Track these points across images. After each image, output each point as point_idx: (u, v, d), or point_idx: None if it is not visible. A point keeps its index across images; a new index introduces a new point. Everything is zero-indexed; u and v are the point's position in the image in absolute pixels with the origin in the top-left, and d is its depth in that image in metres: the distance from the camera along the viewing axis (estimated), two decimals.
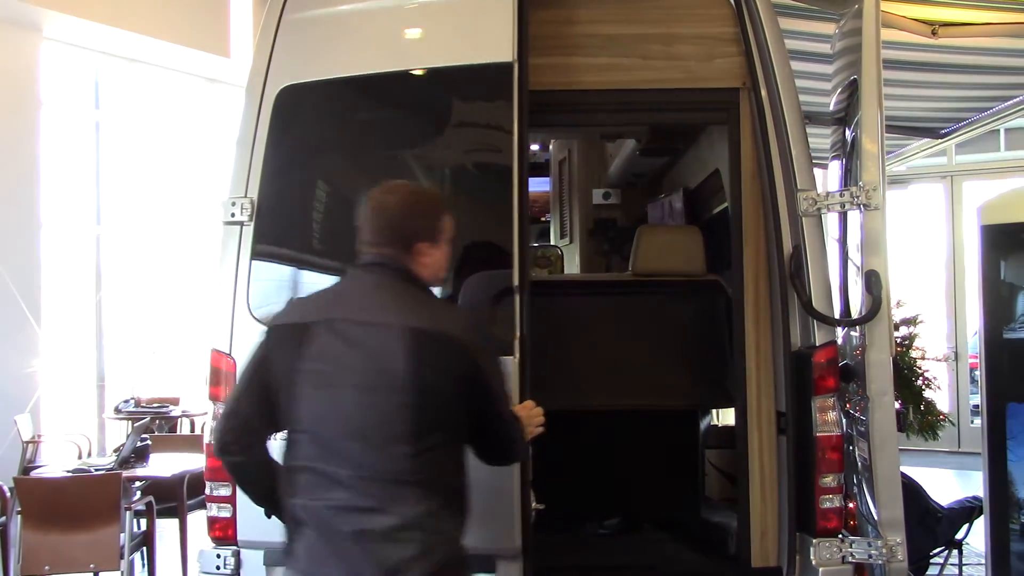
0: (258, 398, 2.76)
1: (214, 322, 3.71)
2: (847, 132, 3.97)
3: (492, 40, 3.68)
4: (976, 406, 11.00)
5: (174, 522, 6.73)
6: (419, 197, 2.91)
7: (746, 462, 3.78)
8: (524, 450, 2.99)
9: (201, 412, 9.50)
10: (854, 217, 3.80)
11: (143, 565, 6.47)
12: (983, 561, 5.14)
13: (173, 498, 6.61)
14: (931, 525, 5.60)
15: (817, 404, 3.54)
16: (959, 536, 5.76)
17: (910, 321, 7.89)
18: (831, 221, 4.03)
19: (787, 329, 3.67)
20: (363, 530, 2.58)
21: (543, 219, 7.53)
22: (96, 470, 6.39)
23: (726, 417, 4.91)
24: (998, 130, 11.16)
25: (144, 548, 6.31)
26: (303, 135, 3.90)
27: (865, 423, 3.59)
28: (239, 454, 2.78)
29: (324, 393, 2.67)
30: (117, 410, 9.87)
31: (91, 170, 10.94)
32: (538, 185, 7.25)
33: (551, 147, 7.27)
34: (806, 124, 3.82)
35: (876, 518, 3.56)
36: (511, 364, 3.32)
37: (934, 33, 5.65)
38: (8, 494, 6.04)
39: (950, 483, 9.52)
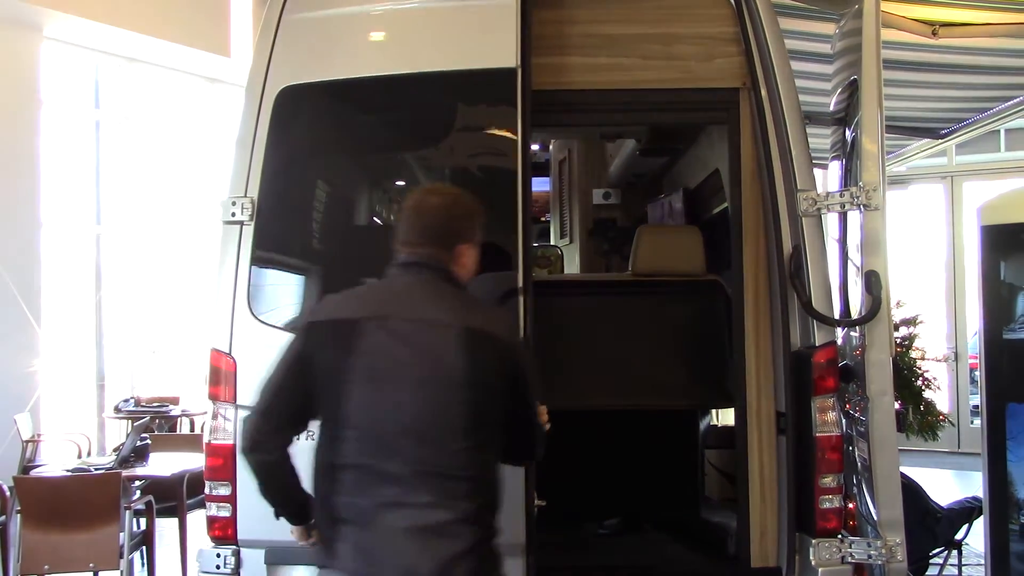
0: (295, 395, 2.74)
1: (214, 321, 3.71)
2: (847, 132, 3.97)
3: (495, 45, 3.71)
4: (976, 406, 11.00)
5: (174, 521, 6.73)
6: (460, 200, 2.93)
7: (746, 462, 3.78)
8: (543, 451, 3.02)
9: (201, 412, 9.49)
10: (854, 217, 3.80)
11: (143, 564, 6.47)
12: (983, 561, 5.14)
13: (173, 497, 6.60)
14: (931, 525, 5.60)
15: (817, 404, 3.54)
16: (959, 536, 5.76)
17: (910, 321, 7.88)
18: (831, 221, 4.02)
19: (787, 329, 3.67)
20: (419, 525, 2.61)
21: (543, 219, 7.53)
22: (96, 469, 6.39)
23: (726, 417, 4.91)
24: (998, 131, 11.16)
25: (144, 547, 6.31)
26: (303, 136, 3.91)
27: (865, 423, 3.59)
28: (272, 452, 2.75)
29: (378, 389, 2.67)
30: (117, 409, 9.87)
31: (91, 170, 10.94)
32: (538, 185, 7.25)
33: (551, 147, 7.27)
34: (806, 124, 3.82)
35: (876, 518, 3.56)
36: None
37: (934, 33, 5.65)
38: (8, 493, 6.04)
39: (950, 483, 9.52)
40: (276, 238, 3.78)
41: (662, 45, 3.92)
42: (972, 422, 11.18)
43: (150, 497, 6.28)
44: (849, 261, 4.00)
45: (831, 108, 4.21)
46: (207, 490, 3.66)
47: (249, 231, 3.70)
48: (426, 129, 3.99)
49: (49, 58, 9.91)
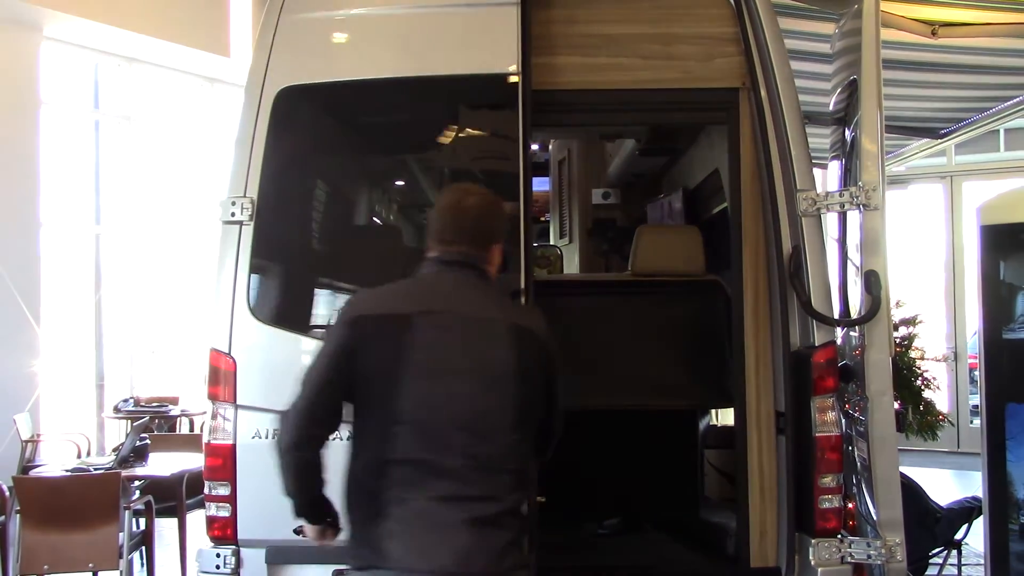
0: (338, 390, 2.72)
1: (213, 321, 3.71)
2: (847, 132, 3.97)
3: (496, 49, 3.73)
4: (975, 406, 11.00)
5: (173, 521, 6.73)
6: (495, 200, 2.97)
7: (745, 462, 3.78)
8: (551, 451, 3.06)
9: (200, 412, 9.49)
10: (854, 217, 3.80)
11: (142, 564, 6.47)
12: (982, 561, 5.14)
13: (172, 497, 6.61)
14: (930, 525, 5.60)
15: (816, 404, 3.54)
16: (958, 536, 5.76)
17: (909, 321, 7.89)
18: (831, 221, 4.02)
19: (786, 329, 3.67)
20: (473, 518, 2.63)
21: (542, 219, 7.53)
22: (95, 469, 6.39)
23: (725, 417, 4.91)
24: (998, 130, 11.16)
25: (143, 547, 6.31)
26: (302, 136, 3.92)
27: (864, 423, 3.59)
28: (312, 449, 2.72)
29: (433, 384, 2.68)
30: (116, 409, 9.87)
31: (91, 170, 10.94)
32: (537, 185, 7.24)
33: (551, 147, 7.27)
34: (806, 124, 3.82)
35: (875, 518, 3.56)
36: None
37: (934, 33, 5.64)
38: (7, 493, 6.04)
39: (949, 483, 9.52)
40: (275, 238, 3.78)
41: (662, 45, 3.92)
42: (972, 422, 11.19)
43: (149, 497, 6.28)
44: (849, 261, 4.00)
45: (831, 108, 4.21)
46: (206, 490, 3.66)
47: (248, 231, 3.70)
48: (425, 131, 4.01)
49: (49, 58, 9.90)
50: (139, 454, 6.66)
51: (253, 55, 3.87)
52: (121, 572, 5.79)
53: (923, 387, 7.62)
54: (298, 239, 3.98)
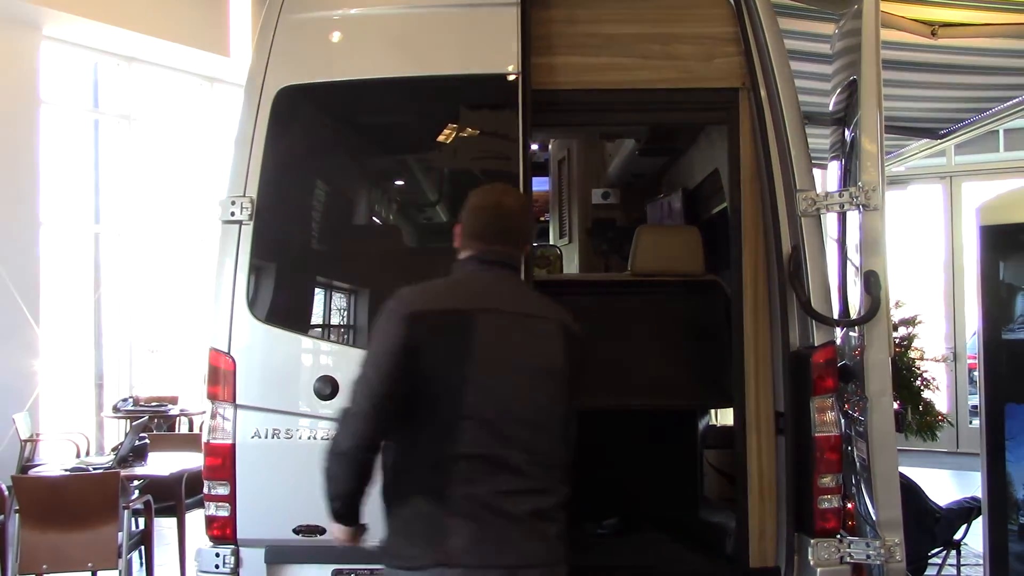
0: (400, 388, 2.69)
1: (213, 321, 3.71)
2: (846, 132, 3.97)
3: (496, 49, 3.73)
4: (975, 407, 11.01)
5: (172, 521, 6.73)
6: (528, 201, 3.06)
7: (744, 462, 3.78)
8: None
9: (200, 411, 9.49)
10: (853, 217, 3.80)
11: (141, 564, 6.47)
12: (981, 562, 5.14)
13: (171, 497, 6.60)
14: (929, 526, 5.60)
15: (816, 404, 3.54)
16: (957, 536, 5.77)
17: (909, 322, 7.89)
18: (830, 221, 4.02)
19: (786, 329, 3.67)
20: (533, 511, 2.69)
21: (542, 219, 7.53)
22: (94, 469, 6.39)
23: (725, 417, 4.91)
24: (997, 131, 11.17)
25: (142, 547, 6.31)
26: (302, 136, 3.92)
27: (864, 423, 3.59)
28: (376, 450, 2.71)
29: (497, 379, 2.72)
30: (115, 409, 9.88)
31: (90, 169, 10.95)
32: (537, 185, 7.24)
33: (550, 147, 7.27)
34: (805, 124, 3.81)
35: (874, 518, 3.56)
36: None
37: (933, 34, 5.64)
38: (6, 493, 6.03)
39: (948, 484, 9.53)
40: (275, 238, 3.78)
41: (662, 45, 3.92)
42: (971, 422, 11.20)
43: (149, 496, 6.28)
44: (848, 261, 4.00)
45: (830, 108, 4.21)
46: (206, 489, 3.66)
47: (248, 231, 3.69)
48: (425, 131, 4.01)
49: (48, 57, 9.91)
50: (138, 454, 6.67)
51: (253, 55, 3.87)
52: (120, 571, 5.79)
53: (922, 387, 7.62)
54: (298, 239, 3.98)
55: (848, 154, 3.94)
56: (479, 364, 2.71)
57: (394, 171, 4.17)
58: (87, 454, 8.74)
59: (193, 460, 6.54)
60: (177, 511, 6.65)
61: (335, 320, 3.90)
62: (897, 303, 7.55)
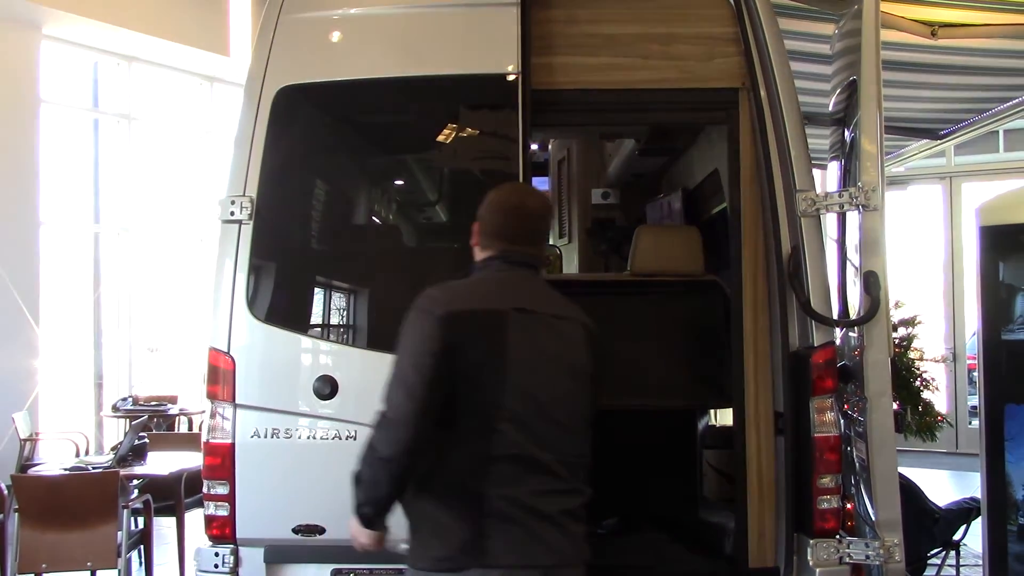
0: (443, 388, 2.65)
1: (212, 320, 3.71)
2: (846, 133, 3.97)
3: (495, 49, 3.73)
4: (974, 407, 11.01)
5: (172, 520, 6.74)
6: (549, 201, 3.01)
7: (744, 462, 3.78)
8: None
9: (199, 410, 9.50)
10: (853, 218, 3.80)
11: (140, 563, 6.47)
12: (980, 562, 5.14)
13: (171, 496, 6.61)
14: (929, 526, 5.60)
15: (815, 405, 3.54)
16: (956, 537, 5.76)
17: (908, 322, 7.90)
18: (830, 222, 4.02)
19: (785, 329, 3.67)
20: (565, 510, 2.72)
21: None
22: (94, 468, 6.39)
23: (724, 417, 4.91)
24: (997, 131, 11.18)
25: (141, 546, 6.31)
26: (301, 136, 3.92)
27: (863, 424, 3.59)
28: (415, 456, 2.65)
29: (534, 380, 2.72)
30: (115, 408, 9.88)
31: (90, 169, 10.95)
32: (537, 185, 7.24)
33: (550, 147, 7.27)
34: (805, 125, 3.81)
35: (874, 519, 3.56)
36: None
37: (933, 34, 5.64)
38: (5, 492, 6.04)
39: (948, 484, 9.53)
40: (275, 237, 3.77)
41: (661, 45, 3.91)
42: (970, 423, 11.20)
43: (148, 496, 6.28)
44: (848, 261, 4.00)
45: (830, 108, 4.21)
46: (205, 489, 3.66)
47: (248, 230, 3.69)
48: (425, 131, 4.00)
49: (48, 57, 9.91)
50: (138, 453, 6.66)
51: (252, 54, 3.86)
52: (119, 571, 5.79)
53: (922, 388, 7.62)
54: (297, 238, 3.98)
55: (848, 154, 3.94)
56: (515, 365, 2.70)
57: (394, 171, 4.17)
58: (86, 453, 8.74)
59: (192, 459, 6.54)
60: (176, 510, 6.65)
61: (335, 320, 3.90)
62: (897, 303, 7.55)
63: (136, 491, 6.32)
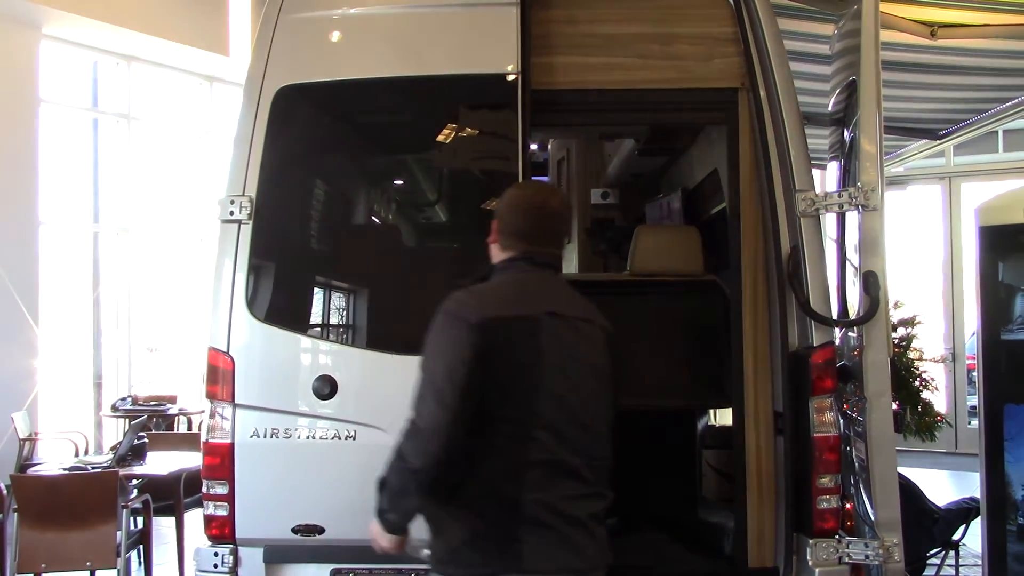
0: (473, 398, 2.61)
1: (212, 320, 3.71)
2: (846, 133, 3.97)
3: (495, 49, 3.73)
4: (973, 407, 11.02)
5: (171, 520, 6.73)
6: (568, 200, 2.98)
7: (743, 462, 3.78)
8: None
9: (198, 410, 9.49)
10: (852, 218, 3.80)
11: (140, 563, 6.47)
12: (980, 562, 5.14)
13: (170, 496, 6.60)
14: (928, 526, 5.60)
15: (814, 405, 3.54)
16: (956, 537, 5.76)
17: (908, 322, 7.91)
18: (829, 222, 4.03)
19: (785, 329, 3.67)
20: (591, 514, 2.72)
21: None
22: (93, 468, 6.39)
23: (723, 417, 4.91)
24: (996, 131, 11.18)
25: (141, 546, 6.31)
26: (301, 135, 3.92)
27: (863, 424, 3.59)
28: (447, 466, 2.61)
29: (565, 384, 2.70)
30: (114, 408, 9.88)
31: (89, 168, 10.95)
32: None
33: (549, 146, 7.27)
34: (805, 125, 3.81)
35: (873, 519, 3.57)
36: None
37: (933, 34, 5.65)
38: (4, 492, 6.03)
39: (947, 484, 9.53)
40: (274, 237, 3.77)
41: (661, 45, 3.92)
42: (970, 423, 11.20)
43: (147, 496, 6.27)
44: (847, 261, 4.00)
45: (830, 109, 4.21)
46: (204, 489, 3.66)
47: (247, 230, 3.69)
48: (425, 131, 4.00)
49: (48, 56, 9.91)
50: (137, 453, 6.66)
51: (252, 54, 3.87)
52: (119, 571, 5.79)
53: (921, 388, 7.63)
54: (297, 238, 3.98)
55: (847, 154, 3.94)
56: (548, 370, 2.68)
57: (393, 171, 4.17)
58: (86, 453, 8.73)
59: (192, 459, 6.54)
60: (176, 510, 6.65)
61: (334, 319, 3.90)
62: (896, 304, 7.56)
63: (135, 491, 6.32)
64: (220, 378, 3.65)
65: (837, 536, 3.54)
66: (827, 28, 4.74)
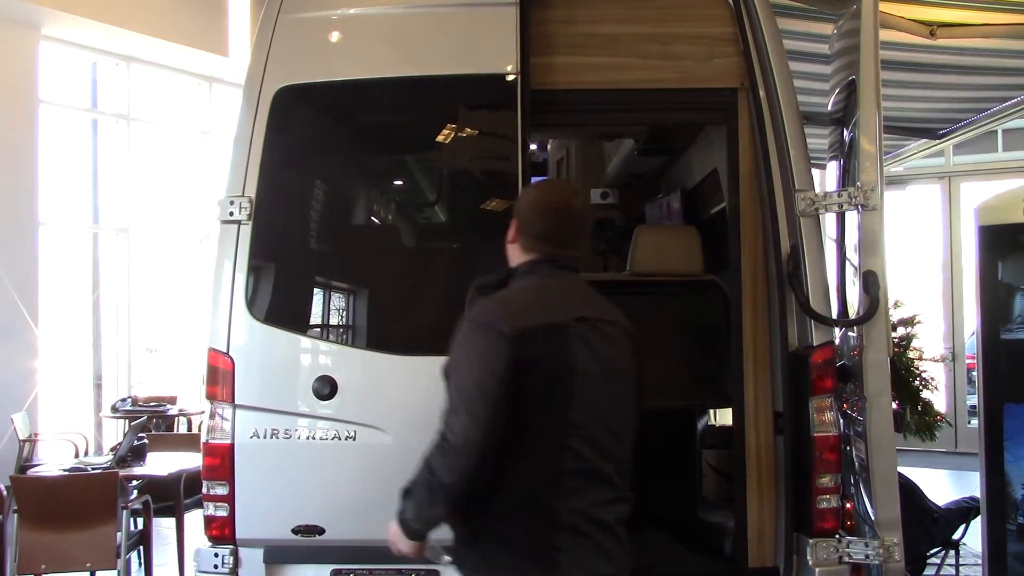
0: (507, 411, 2.56)
1: (211, 321, 3.71)
2: (845, 132, 3.97)
3: (495, 49, 3.73)
4: (973, 407, 11.01)
5: (171, 521, 6.73)
6: (588, 199, 2.94)
7: (743, 462, 3.78)
8: None
9: (198, 411, 9.49)
10: (852, 217, 3.80)
11: (140, 564, 6.47)
12: (980, 561, 5.15)
13: (170, 497, 6.60)
14: (928, 525, 5.60)
15: (814, 404, 3.54)
16: (956, 536, 5.76)
17: (908, 322, 7.89)
18: (829, 221, 4.03)
19: (785, 329, 3.67)
20: (618, 519, 2.71)
21: None
22: (93, 469, 6.39)
23: (723, 417, 4.91)
24: (996, 131, 11.18)
25: (141, 547, 6.31)
26: (300, 136, 3.92)
27: (862, 423, 3.59)
28: (477, 481, 2.58)
29: (596, 390, 2.68)
30: (114, 408, 9.87)
31: (89, 169, 10.94)
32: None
33: (549, 147, 7.26)
34: (804, 124, 3.81)
35: (873, 518, 3.57)
36: None
37: (932, 34, 5.64)
38: (4, 493, 6.03)
39: (947, 484, 9.53)
40: (274, 238, 3.77)
41: (660, 45, 3.92)
42: (969, 422, 11.20)
43: (147, 497, 6.28)
44: (847, 261, 4.00)
45: (829, 108, 4.21)
46: (204, 490, 3.66)
47: (247, 230, 3.69)
48: (424, 131, 4.01)
49: (47, 57, 9.90)
50: (137, 453, 6.66)
51: (251, 54, 3.87)
52: (119, 572, 5.79)
53: (921, 387, 7.62)
54: (296, 239, 3.97)
55: (847, 154, 3.94)
56: (579, 377, 2.64)
57: (393, 171, 4.17)
58: (86, 454, 8.73)
59: (192, 460, 6.54)
60: (176, 511, 6.65)
61: (334, 320, 3.90)
62: (896, 303, 7.55)
63: (135, 492, 6.32)
64: (220, 379, 3.65)
65: (837, 536, 3.54)
66: (827, 28, 4.74)
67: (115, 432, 10.03)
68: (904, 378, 7.35)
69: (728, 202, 4.02)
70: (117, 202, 11.03)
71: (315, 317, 3.89)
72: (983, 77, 6.58)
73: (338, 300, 3.99)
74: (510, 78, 3.74)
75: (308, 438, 3.65)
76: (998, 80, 6.62)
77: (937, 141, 8.33)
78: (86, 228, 10.88)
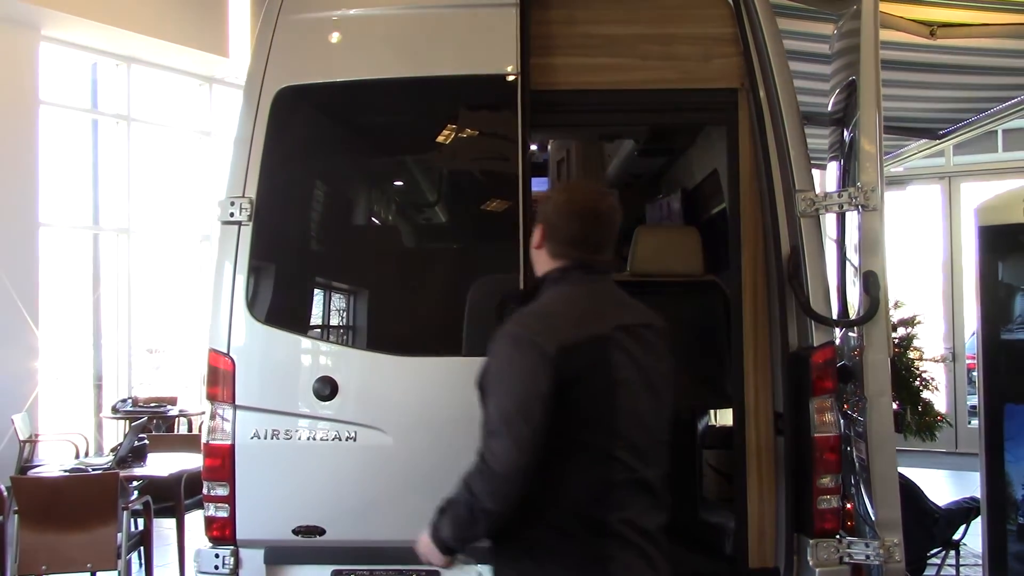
0: (549, 430, 2.48)
1: (212, 322, 3.71)
2: (845, 133, 3.97)
3: (495, 49, 3.73)
4: (974, 407, 11.01)
5: (172, 522, 6.73)
6: (617, 201, 2.84)
7: (743, 463, 3.78)
8: None
9: (199, 412, 9.49)
10: (852, 218, 3.80)
11: (140, 565, 6.47)
12: (980, 562, 5.15)
13: (171, 498, 6.60)
14: (928, 526, 5.60)
15: (815, 405, 3.54)
16: (956, 537, 5.77)
17: (908, 322, 7.89)
18: (829, 222, 4.02)
19: (785, 330, 3.67)
20: (660, 526, 2.66)
21: None
22: (93, 469, 6.39)
23: (724, 417, 4.91)
24: (996, 131, 11.18)
25: (141, 548, 6.31)
26: (301, 136, 3.92)
27: (863, 424, 3.59)
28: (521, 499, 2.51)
29: (640, 399, 2.62)
30: (114, 409, 9.87)
31: (89, 169, 10.95)
32: (536, 185, 7.21)
33: (549, 147, 7.26)
34: (804, 125, 3.81)
35: (873, 519, 3.57)
36: None
37: (932, 34, 5.64)
38: (5, 493, 6.03)
39: (947, 484, 9.53)
40: (274, 238, 3.78)
41: (661, 45, 3.92)
42: (970, 422, 11.20)
43: (148, 497, 6.28)
44: (847, 261, 4.00)
45: (829, 108, 4.21)
46: (205, 490, 3.66)
47: (247, 231, 3.69)
48: (425, 131, 4.01)
49: (47, 58, 9.90)
50: (137, 454, 6.66)
51: (252, 55, 3.87)
52: (119, 572, 5.79)
53: (921, 388, 7.62)
54: (297, 239, 3.98)
55: (847, 154, 3.94)
56: (622, 388, 2.58)
57: (393, 172, 4.17)
58: (86, 455, 8.73)
59: (192, 461, 6.54)
60: (176, 512, 6.65)
61: (334, 321, 3.90)
62: (896, 303, 7.55)
63: (136, 492, 6.32)
64: (220, 379, 3.65)
65: (838, 536, 3.54)
66: (827, 28, 4.74)
67: (115, 433, 10.03)
68: (904, 378, 7.35)
69: (728, 202, 4.02)
70: (117, 203, 11.03)
71: (316, 318, 3.89)
72: (983, 77, 6.58)
73: (339, 301, 3.99)
74: (510, 78, 3.74)
75: (309, 439, 3.65)
76: (998, 80, 6.62)
77: (937, 141, 8.33)
78: (86, 229, 10.88)
